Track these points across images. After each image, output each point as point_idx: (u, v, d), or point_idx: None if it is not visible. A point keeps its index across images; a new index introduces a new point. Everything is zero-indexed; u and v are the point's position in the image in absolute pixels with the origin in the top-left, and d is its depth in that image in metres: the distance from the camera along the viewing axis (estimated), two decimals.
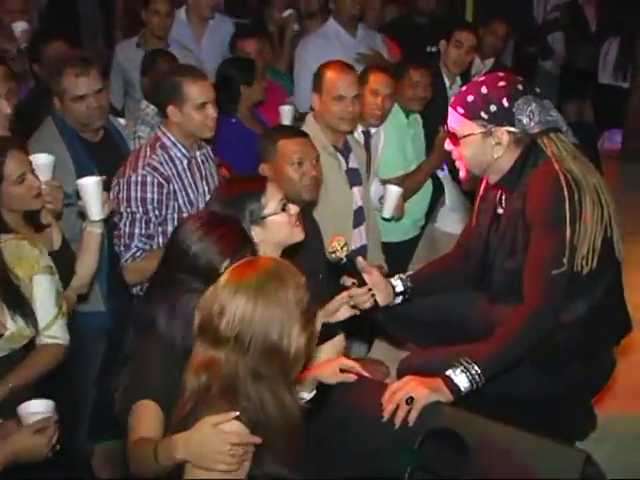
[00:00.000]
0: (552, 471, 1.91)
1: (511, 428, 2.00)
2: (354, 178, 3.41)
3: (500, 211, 2.41)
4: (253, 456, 1.70)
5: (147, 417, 1.96)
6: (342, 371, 2.13)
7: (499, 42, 5.35)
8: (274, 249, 2.41)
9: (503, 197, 2.40)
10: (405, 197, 3.80)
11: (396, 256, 3.71)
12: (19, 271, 2.42)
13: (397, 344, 3.10)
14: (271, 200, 2.40)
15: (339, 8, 4.71)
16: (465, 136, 2.30)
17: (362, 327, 2.85)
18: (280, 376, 1.71)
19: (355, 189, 3.40)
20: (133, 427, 1.96)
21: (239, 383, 1.69)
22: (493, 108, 2.25)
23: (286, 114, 4.13)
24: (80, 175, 2.86)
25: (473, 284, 2.54)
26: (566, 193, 2.15)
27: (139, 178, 2.90)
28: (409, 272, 2.72)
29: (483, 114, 2.26)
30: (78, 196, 2.75)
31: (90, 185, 2.69)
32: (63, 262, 2.70)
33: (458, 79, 4.68)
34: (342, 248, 2.44)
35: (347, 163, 3.40)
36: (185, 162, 3.04)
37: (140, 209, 2.91)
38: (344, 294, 2.49)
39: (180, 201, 2.99)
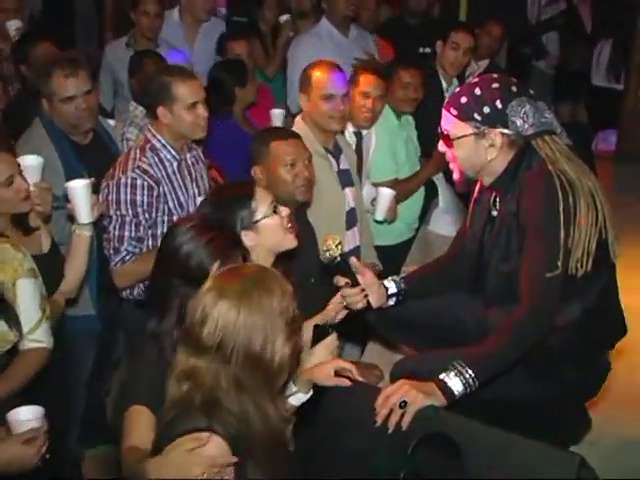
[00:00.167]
0: (546, 475, 1.89)
1: (505, 432, 1.98)
2: (345, 179, 3.39)
3: (494, 213, 2.39)
4: (235, 468, 1.67)
5: (139, 424, 1.95)
6: (337, 374, 2.11)
7: (494, 43, 5.34)
8: (267, 254, 2.39)
9: (497, 199, 2.38)
10: (398, 200, 3.79)
11: (390, 259, 3.69)
12: (2, 275, 2.39)
13: (391, 347, 3.07)
14: (261, 204, 2.38)
15: (332, 8, 4.70)
16: (458, 137, 2.29)
17: (355, 329, 2.83)
18: (264, 387, 1.68)
19: (347, 190, 3.38)
20: (125, 434, 1.95)
21: (221, 393, 1.66)
22: (486, 110, 2.24)
23: (277, 118, 4.11)
24: (69, 177, 2.84)
25: (467, 286, 2.53)
26: (560, 195, 2.14)
27: (129, 181, 2.88)
28: (402, 274, 2.70)
29: (476, 115, 2.25)
30: (67, 199, 2.73)
31: (79, 188, 2.67)
32: (52, 265, 2.68)
33: (455, 81, 4.64)
34: (336, 247, 2.42)
35: (338, 164, 3.38)
36: (175, 164, 3.01)
37: (130, 212, 2.88)
38: (339, 295, 2.47)
39: (170, 204, 2.97)
